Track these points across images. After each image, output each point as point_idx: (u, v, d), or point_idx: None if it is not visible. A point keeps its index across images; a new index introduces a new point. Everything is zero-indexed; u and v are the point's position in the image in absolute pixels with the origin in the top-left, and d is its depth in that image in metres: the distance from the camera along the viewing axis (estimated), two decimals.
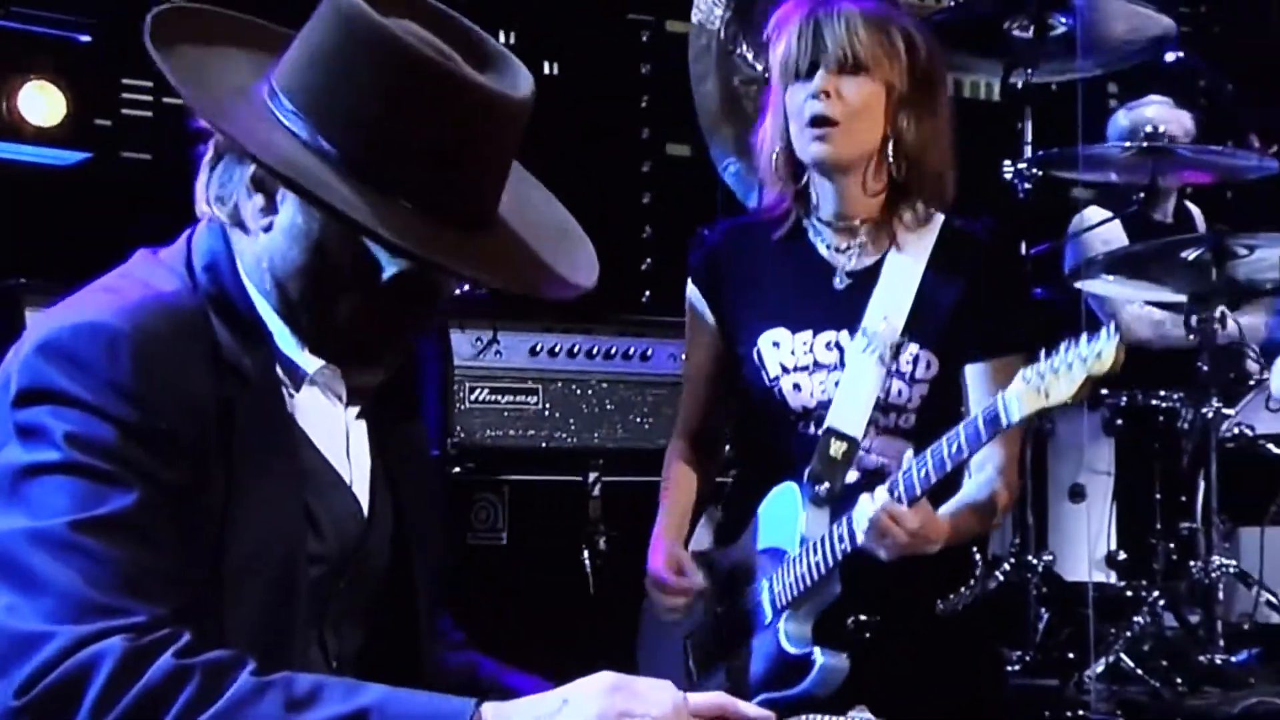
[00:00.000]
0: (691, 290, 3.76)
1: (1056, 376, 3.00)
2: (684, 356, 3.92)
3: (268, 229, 2.29)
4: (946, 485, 3.35)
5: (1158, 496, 5.77)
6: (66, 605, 2.01)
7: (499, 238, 2.35)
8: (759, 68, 5.66)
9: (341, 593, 2.42)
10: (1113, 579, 5.70)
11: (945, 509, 3.39)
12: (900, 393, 3.48)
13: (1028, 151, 5.68)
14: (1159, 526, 5.75)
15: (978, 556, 3.81)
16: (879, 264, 3.53)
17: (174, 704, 1.98)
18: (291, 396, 2.34)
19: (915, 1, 7.21)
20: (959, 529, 3.39)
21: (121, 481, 2.09)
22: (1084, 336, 2.99)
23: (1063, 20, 5.76)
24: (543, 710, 2.11)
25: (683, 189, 6.08)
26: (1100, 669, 5.12)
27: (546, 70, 6.07)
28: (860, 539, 3.21)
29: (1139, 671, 5.23)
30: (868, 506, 3.19)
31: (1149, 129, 6.24)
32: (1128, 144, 5.76)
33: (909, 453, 3.38)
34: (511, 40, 5.92)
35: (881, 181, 3.52)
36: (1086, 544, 5.75)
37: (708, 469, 3.85)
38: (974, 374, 3.52)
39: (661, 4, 6.52)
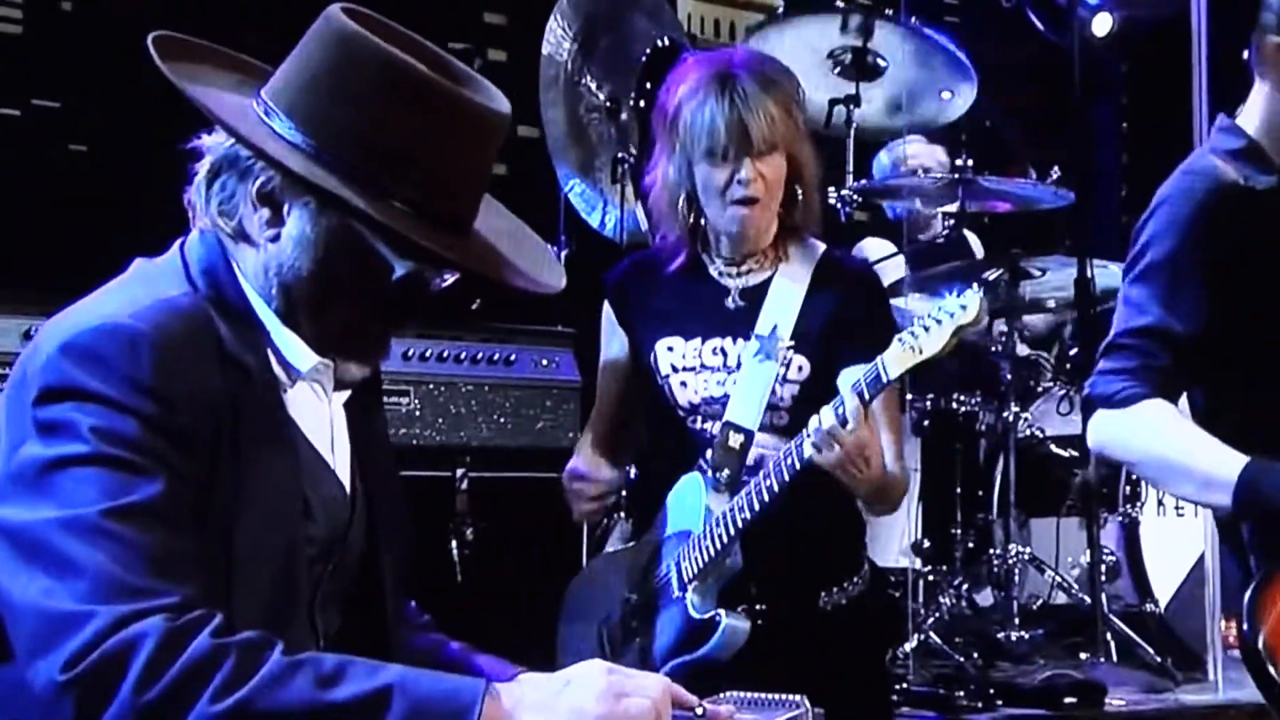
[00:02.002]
0: (607, 310, 4.10)
1: (927, 333, 3.31)
2: (600, 372, 4.20)
3: (274, 239, 2.37)
4: (835, 497, 3.73)
5: (958, 491, 6.23)
6: (102, 587, 2.06)
7: (481, 240, 2.47)
8: (601, 97, 6.08)
9: (328, 576, 2.50)
10: (918, 565, 6.09)
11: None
12: (774, 392, 3.82)
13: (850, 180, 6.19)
14: (960, 518, 6.23)
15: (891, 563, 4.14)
16: (767, 282, 3.89)
17: (212, 680, 2.04)
18: (285, 391, 2.42)
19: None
20: (887, 482, 3.72)
21: (147, 471, 2.15)
22: (949, 294, 3.32)
23: (882, 62, 6.35)
24: (549, 689, 2.22)
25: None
26: (913, 645, 5.59)
27: None
28: (808, 449, 3.46)
29: (946, 648, 5.76)
30: (818, 422, 3.47)
31: (908, 163, 6.87)
32: (940, 175, 6.25)
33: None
34: None
35: (775, 224, 3.90)
36: (896, 534, 6.15)
37: (614, 463, 4.18)
38: (846, 377, 3.78)
39: (481, 33, 6.85)
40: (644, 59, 6.17)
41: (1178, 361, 3.32)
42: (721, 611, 3.65)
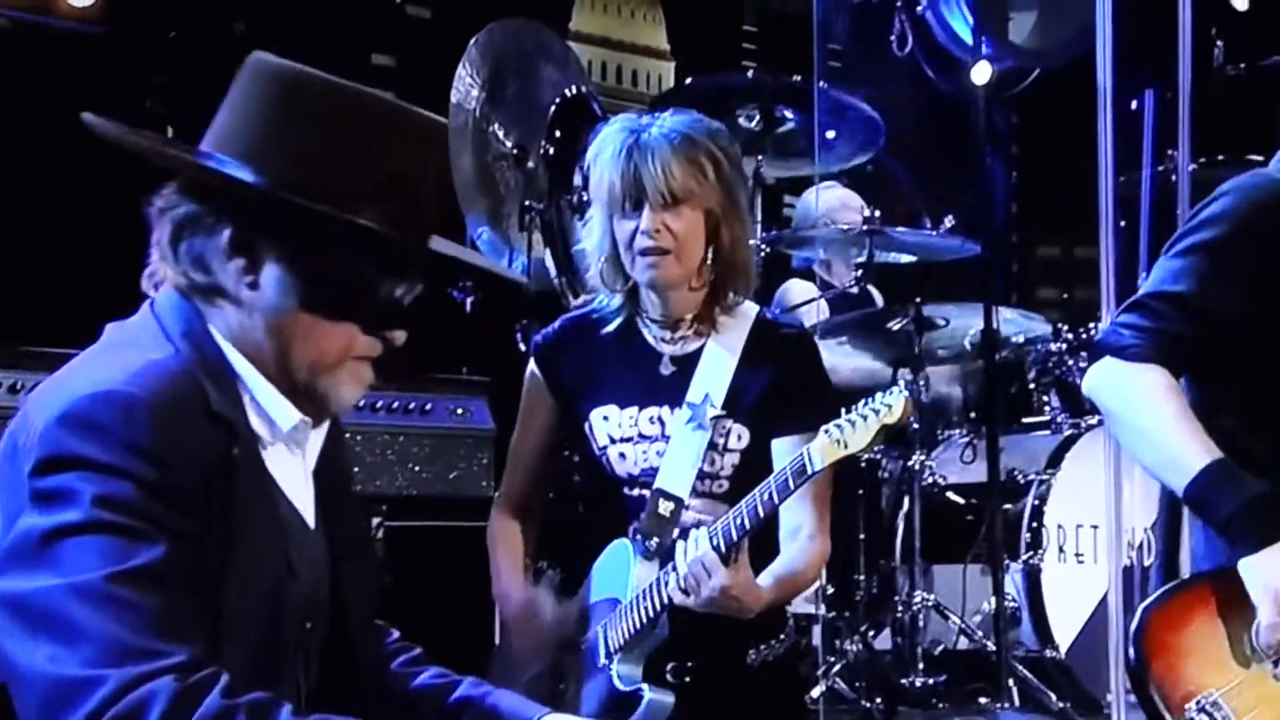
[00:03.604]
0: (533, 371, 4.06)
1: (854, 428, 3.33)
2: (517, 430, 4.15)
3: (253, 286, 2.39)
4: (765, 553, 3.71)
5: (862, 537, 6.31)
6: (108, 650, 2.08)
7: (442, 246, 2.53)
8: (509, 144, 6.11)
9: (311, 634, 2.54)
10: (822, 610, 6.11)
11: (765, 577, 3.67)
12: (714, 461, 3.82)
13: (759, 230, 6.26)
14: (863, 564, 6.32)
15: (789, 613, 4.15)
16: (700, 349, 3.89)
17: None
18: (265, 449, 2.44)
19: (638, 91, 7.83)
20: (778, 594, 3.72)
21: (149, 536, 2.16)
22: (877, 393, 3.34)
23: (789, 115, 6.43)
24: None
25: None
26: (820, 691, 5.67)
27: None
28: (673, 583, 3.51)
29: (853, 694, 5.87)
30: (689, 551, 3.49)
31: (829, 206, 6.96)
32: (847, 225, 6.36)
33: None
34: None
35: (703, 284, 3.89)
36: None
37: (528, 533, 4.14)
38: (779, 447, 3.85)
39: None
40: (552, 107, 6.24)
41: (1196, 337, 3.34)
42: (645, 686, 3.63)
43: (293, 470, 2.52)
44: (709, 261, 3.85)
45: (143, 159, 2.44)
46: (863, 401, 3.34)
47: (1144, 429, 3.32)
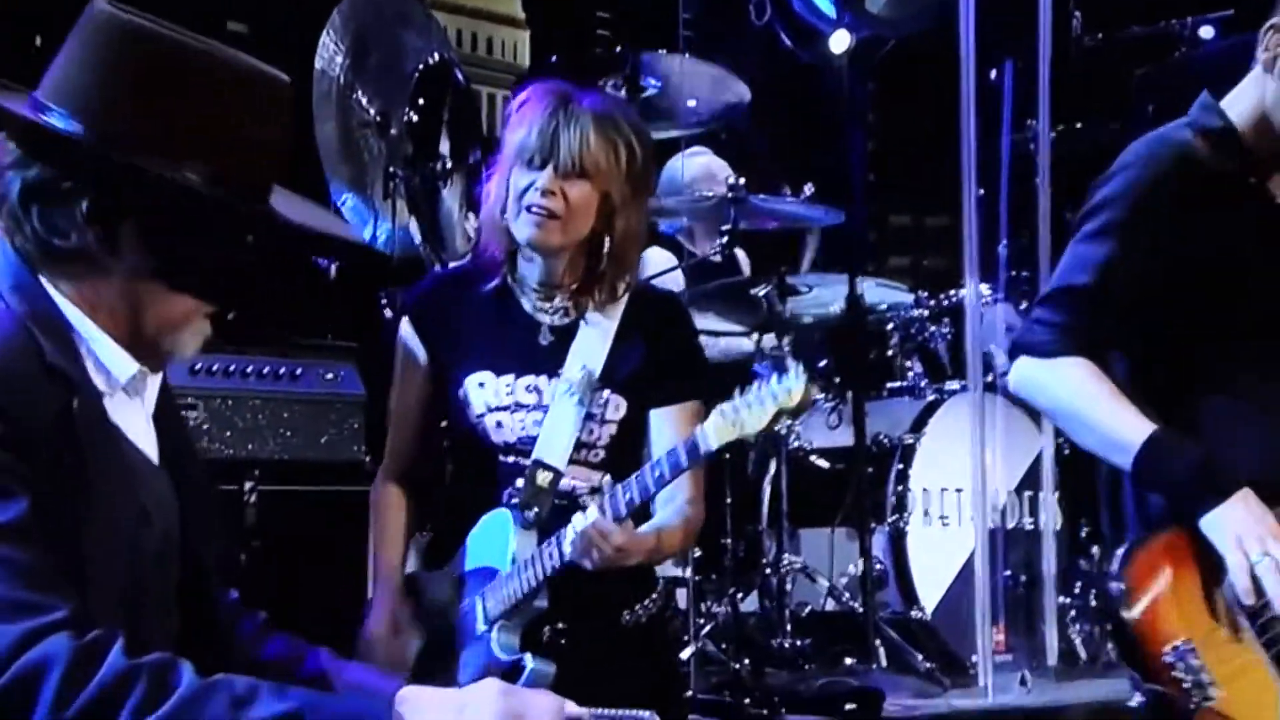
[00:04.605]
0: (406, 330, 4.02)
1: (750, 410, 3.30)
2: (393, 393, 4.11)
3: (111, 253, 2.35)
4: (640, 515, 3.69)
5: (728, 501, 6.27)
6: None
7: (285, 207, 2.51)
8: (372, 112, 6.10)
9: (167, 578, 2.49)
10: (688, 573, 6.04)
11: (644, 529, 3.72)
12: (592, 431, 3.83)
13: None
14: (730, 527, 6.29)
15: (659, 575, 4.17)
16: (577, 322, 3.88)
17: (128, 701, 2.06)
18: (105, 399, 2.39)
19: (495, 59, 7.83)
20: (658, 547, 3.75)
21: (7, 491, 2.13)
22: (774, 375, 3.32)
23: (653, 82, 6.47)
24: (446, 713, 2.26)
25: None
26: (690, 653, 5.64)
27: None
28: (568, 549, 3.51)
29: (722, 656, 5.91)
30: (579, 522, 3.50)
31: (693, 175, 7.00)
32: (710, 192, 6.41)
33: (607, 478, 3.70)
34: None
35: (580, 265, 3.88)
36: None
37: (416, 501, 4.10)
38: (657, 418, 3.88)
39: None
40: (415, 75, 6.23)
41: (1107, 324, 3.41)
42: (527, 656, 3.63)
43: (134, 417, 2.48)
44: (596, 245, 3.84)
45: None
46: (759, 383, 3.32)
47: (1078, 418, 3.42)
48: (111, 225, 2.35)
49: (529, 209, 3.75)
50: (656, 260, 6.86)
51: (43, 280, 2.36)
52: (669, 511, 3.82)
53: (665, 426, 3.85)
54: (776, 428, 3.38)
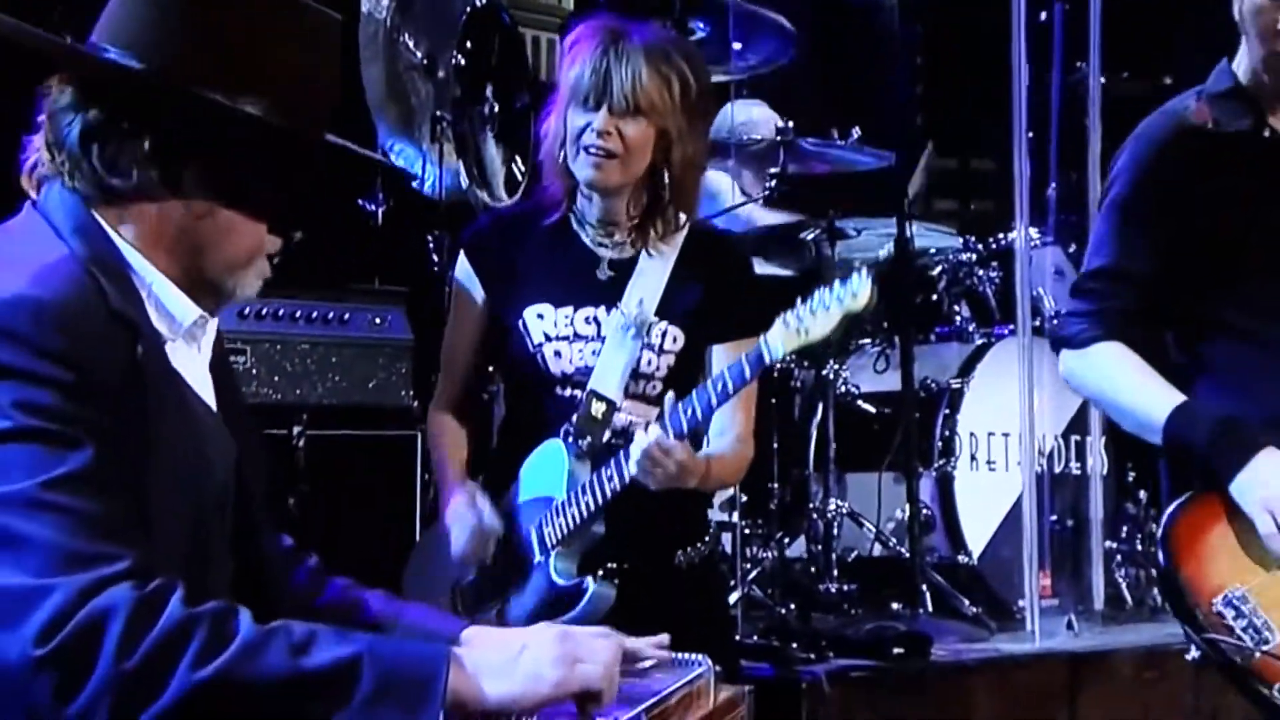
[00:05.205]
0: (463, 266, 4.05)
1: (814, 316, 3.35)
2: (450, 328, 4.14)
3: (174, 192, 2.35)
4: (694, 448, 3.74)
5: (775, 445, 6.29)
6: (53, 558, 2.06)
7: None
8: (419, 54, 6.10)
9: (225, 523, 2.49)
10: (735, 518, 6.08)
11: (700, 455, 3.74)
12: (650, 362, 3.84)
13: None
14: (776, 472, 6.31)
15: (711, 518, 4.20)
16: (636, 256, 3.90)
17: (189, 648, 2.06)
18: (166, 344, 2.39)
19: (541, 3, 7.81)
20: (714, 472, 3.78)
21: (76, 441, 2.12)
22: (838, 280, 3.36)
23: (701, 26, 6.44)
24: (506, 654, 2.26)
25: None
26: (738, 598, 5.70)
27: None
28: (633, 469, 3.55)
29: (768, 601, 5.93)
30: (641, 440, 3.55)
31: (739, 123, 6.90)
32: (762, 137, 6.42)
33: (670, 395, 3.65)
34: None
35: (642, 200, 3.89)
36: None
37: (469, 432, 4.13)
38: (718, 353, 3.90)
39: None
40: (462, 18, 6.22)
41: (1136, 300, 3.55)
42: (589, 578, 3.69)
43: (193, 363, 2.48)
44: (656, 179, 3.85)
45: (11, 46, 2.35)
46: (823, 289, 3.36)
47: (1114, 404, 3.61)
48: (174, 161, 2.35)
49: (586, 149, 3.77)
50: (711, 181, 6.84)
51: (103, 223, 2.36)
52: (722, 443, 3.85)
53: (725, 362, 3.79)
54: (832, 338, 3.40)
